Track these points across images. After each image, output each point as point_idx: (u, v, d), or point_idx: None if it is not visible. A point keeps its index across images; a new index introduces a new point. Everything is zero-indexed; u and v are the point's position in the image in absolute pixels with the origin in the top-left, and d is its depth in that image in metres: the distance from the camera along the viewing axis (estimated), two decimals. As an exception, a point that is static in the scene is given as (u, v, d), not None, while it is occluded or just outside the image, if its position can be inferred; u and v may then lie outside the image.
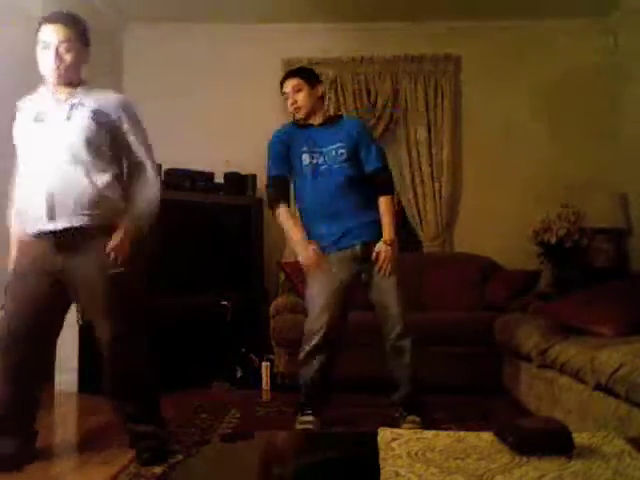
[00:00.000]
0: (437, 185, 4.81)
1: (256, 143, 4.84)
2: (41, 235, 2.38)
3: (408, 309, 2.95)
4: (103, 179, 2.43)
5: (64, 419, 3.37)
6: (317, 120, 3.06)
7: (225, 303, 4.22)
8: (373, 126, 4.79)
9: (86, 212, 2.37)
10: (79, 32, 2.48)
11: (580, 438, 1.54)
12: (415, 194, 4.81)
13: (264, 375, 4.03)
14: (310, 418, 2.94)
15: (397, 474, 1.34)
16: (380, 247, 2.92)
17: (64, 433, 3.07)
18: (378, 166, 3.02)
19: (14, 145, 2.47)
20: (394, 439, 1.59)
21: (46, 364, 2.71)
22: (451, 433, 1.70)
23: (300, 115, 3.04)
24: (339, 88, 4.89)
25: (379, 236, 2.94)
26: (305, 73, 3.10)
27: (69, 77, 2.46)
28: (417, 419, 2.93)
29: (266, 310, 4.15)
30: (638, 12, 4.39)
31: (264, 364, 4.05)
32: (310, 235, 2.98)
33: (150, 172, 2.57)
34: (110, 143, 2.48)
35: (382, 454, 1.48)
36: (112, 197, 2.45)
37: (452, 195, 4.84)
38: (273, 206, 3.06)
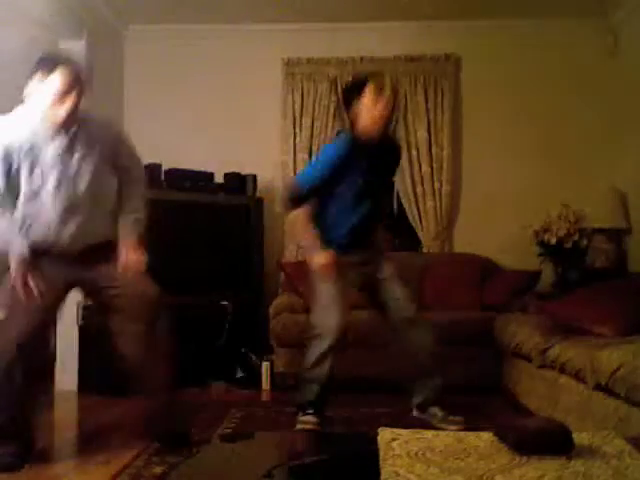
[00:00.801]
0: (437, 185, 4.81)
1: (256, 143, 4.88)
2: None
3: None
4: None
5: (64, 419, 3.37)
6: (375, 138, 2.96)
7: (225, 303, 4.22)
8: (373, 126, 4.79)
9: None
10: (81, 76, 2.50)
11: (580, 438, 1.54)
12: (415, 194, 4.81)
13: (264, 375, 4.03)
14: (313, 418, 2.95)
15: (397, 474, 1.34)
16: None
17: (64, 433, 3.07)
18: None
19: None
20: (394, 439, 1.59)
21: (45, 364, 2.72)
22: (451, 433, 1.70)
23: (378, 127, 2.91)
24: (339, 88, 4.88)
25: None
26: None
27: (71, 119, 2.47)
28: (461, 419, 2.94)
29: (266, 310, 4.15)
30: (638, 12, 4.39)
31: (264, 364, 4.05)
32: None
33: (135, 171, 2.71)
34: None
35: (382, 454, 1.49)
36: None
37: (452, 195, 4.84)
38: (297, 204, 3.02)
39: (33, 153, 2.45)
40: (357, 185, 2.96)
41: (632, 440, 1.58)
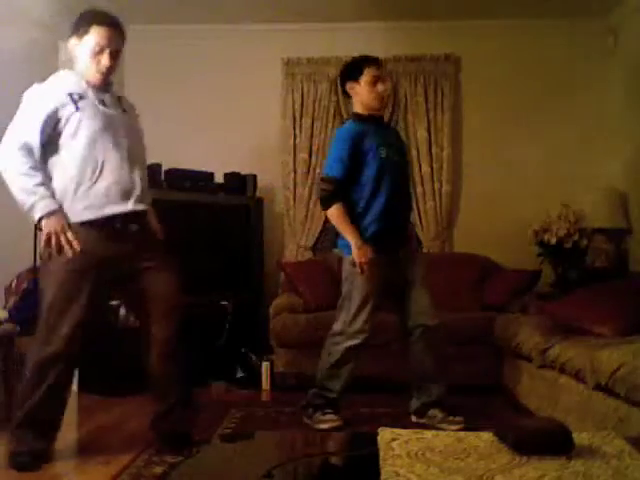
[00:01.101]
0: (437, 185, 4.81)
1: (256, 143, 4.88)
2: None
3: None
4: None
5: (64, 419, 3.37)
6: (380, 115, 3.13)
7: (225, 303, 4.22)
8: (373, 126, 4.80)
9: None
10: (124, 35, 2.64)
11: (580, 438, 1.54)
12: (415, 194, 4.81)
13: (264, 375, 4.03)
14: (335, 417, 2.98)
15: (397, 474, 1.34)
16: None
17: (64, 433, 3.06)
18: None
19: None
20: (394, 439, 1.59)
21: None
22: (451, 433, 1.70)
23: (382, 105, 3.06)
24: (339, 88, 4.88)
25: None
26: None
27: (110, 79, 2.60)
28: (461, 419, 2.95)
29: (266, 310, 4.15)
30: (638, 12, 4.39)
31: (264, 364, 4.05)
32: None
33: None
34: None
35: (382, 454, 1.49)
36: None
37: (452, 195, 4.84)
38: (334, 199, 2.99)
39: (82, 108, 2.45)
40: (380, 163, 2.96)
41: (632, 440, 1.58)
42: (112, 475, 2.30)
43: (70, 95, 2.45)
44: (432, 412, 3.01)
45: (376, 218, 2.97)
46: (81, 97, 2.46)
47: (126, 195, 2.49)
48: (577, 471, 1.35)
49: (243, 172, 4.64)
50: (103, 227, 2.45)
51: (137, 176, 2.54)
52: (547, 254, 4.40)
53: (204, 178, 4.49)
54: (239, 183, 4.61)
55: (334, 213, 2.97)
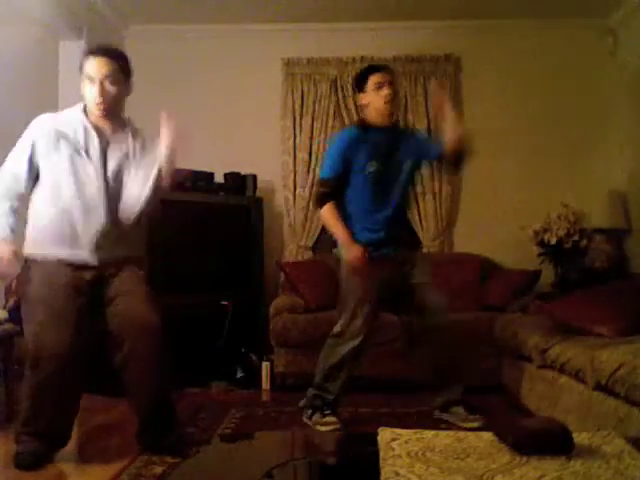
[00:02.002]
0: (437, 185, 4.81)
1: (256, 143, 4.88)
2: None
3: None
4: None
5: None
6: (384, 124, 3.05)
7: (225, 303, 4.22)
8: (373, 126, 4.81)
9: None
10: (123, 65, 2.55)
11: (580, 438, 1.54)
12: (415, 194, 4.81)
13: (264, 375, 4.03)
14: (334, 418, 2.98)
15: (397, 474, 1.34)
16: None
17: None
18: None
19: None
20: (394, 439, 1.59)
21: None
22: (451, 433, 1.70)
23: (388, 112, 3.02)
24: (339, 88, 4.89)
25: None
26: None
27: (112, 110, 2.53)
28: (480, 417, 2.97)
29: (266, 310, 4.15)
30: (638, 12, 4.39)
31: (264, 364, 4.05)
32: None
33: None
34: None
35: (382, 454, 1.49)
36: None
37: (452, 195, 4.84)
38: (326, 199, 3.02)
39: (57, 148, 2.48)
40: (364, 177, 2.97)
41: (632, 440, 1.57)
42: (112, 475, 2.30)
43: (55, 131, 2.48)
44: (456, 409, 3.03)
45: (362, 227, 3.01)
46: (64, 136, 2.48)
47: (71, 241, 2.49)
48: (577, 471, 1.35)
49: (243, 172, 4.64)
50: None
51: (92, 226, 2.48)
52: (547, 254, 4.40)
53: (204, 178, 4.49)
54: (239, 183, 4.61)
55: (324, 212, 3.01)
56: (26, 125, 2.50)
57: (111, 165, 2.53)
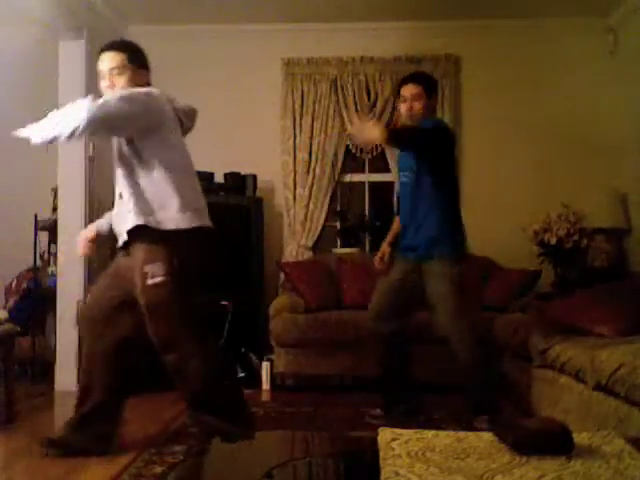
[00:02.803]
0: (437, 185, 4.80)
1: (256, 143, 4.88)
2: None
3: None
4: None
5: (64, 419, 3.37)
6: None
7: (225, 303, 4.22)
8: (373, 126, 4.81)
9: None
10: (131, 56, 2.60)
11: (580, 438, 1.54)
12: (415, 194, 4.81)
13: (264, 375, 4.03)
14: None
15: (397, 474, 1.34)
16: None
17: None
18: None
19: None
20: (394, 439, 1.59)
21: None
22: (451, 433, 1.70)
23: (411, 123, 3.12)
24: (339, 88, 4.89)
25: None
26: (427, 82, 3.16)
27: None
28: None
29: (266, 310, 4.15)
30: (638, 12, 4.39)
31: (264, 364, 4.05)
32: None
33: None
34: None
35: (382, 454, 1.49)
36: None
37: (452, 195, 4.83)
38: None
39: None
40: (399, 187, 3.25)
41: (632, 440, 1.58)
42: (112, 475, 2.30)
43: None
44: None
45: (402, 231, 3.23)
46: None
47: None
48: (577, 471, 1.35)
49: (243, 172, 4.64)
50: None
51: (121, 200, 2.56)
52: (547, 254, 4.39)
53: (204, 178, 4.48)
54: (239, 183, 4.61)
55: None
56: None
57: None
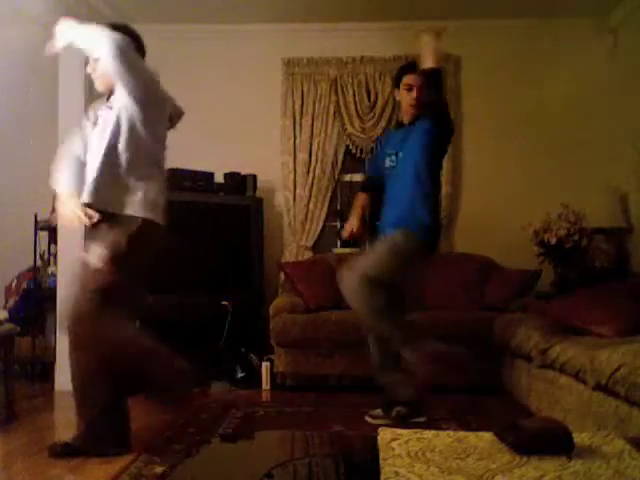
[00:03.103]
0: (437, 185, 4.80)
1: (256, 143, 4.88)
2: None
3: None
4: None
5: (64, 419, 3.37)
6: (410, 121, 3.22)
7: (225, 303, 4.22)
8: (373, 126, 4.81)
9: None
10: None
11: (580, 438, 1.55)
12: (415, 194, 4.81)
13: (264, 375, 4.03)
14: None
15: (397, 474, 1.34)
16: None
17: (64, 433, 3.06)
18: None
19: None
20: (394, 439, 1.59)
21: None
22: (451, 433, 1.70)
23: (413, 112, 3.15)
24: (339, 88, 4.89)
25: None
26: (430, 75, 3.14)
27: (107, 86, 2.73)
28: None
29: (266, 310, 4.15)
30: (638, 12, 4.39)
31: (264, 364, 4.05)
32: None
33: None
34: None
35: (382, 454, 1.49)
36: None
37: (452, 195, 4.84)
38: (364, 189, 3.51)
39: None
40: (384, 172, 3.22)
41: (632, 440, 1.58)
42: (112, 475, 2.29)
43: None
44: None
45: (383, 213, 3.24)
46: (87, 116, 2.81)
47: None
48: (577, 471, 1.35)
49: (243, 172, 4.64)
50: None
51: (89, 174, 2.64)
52: (547, 254, 4.39)
53: (204, 178, 4.49)
54: (239, 183, 4.62)
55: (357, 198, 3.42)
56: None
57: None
